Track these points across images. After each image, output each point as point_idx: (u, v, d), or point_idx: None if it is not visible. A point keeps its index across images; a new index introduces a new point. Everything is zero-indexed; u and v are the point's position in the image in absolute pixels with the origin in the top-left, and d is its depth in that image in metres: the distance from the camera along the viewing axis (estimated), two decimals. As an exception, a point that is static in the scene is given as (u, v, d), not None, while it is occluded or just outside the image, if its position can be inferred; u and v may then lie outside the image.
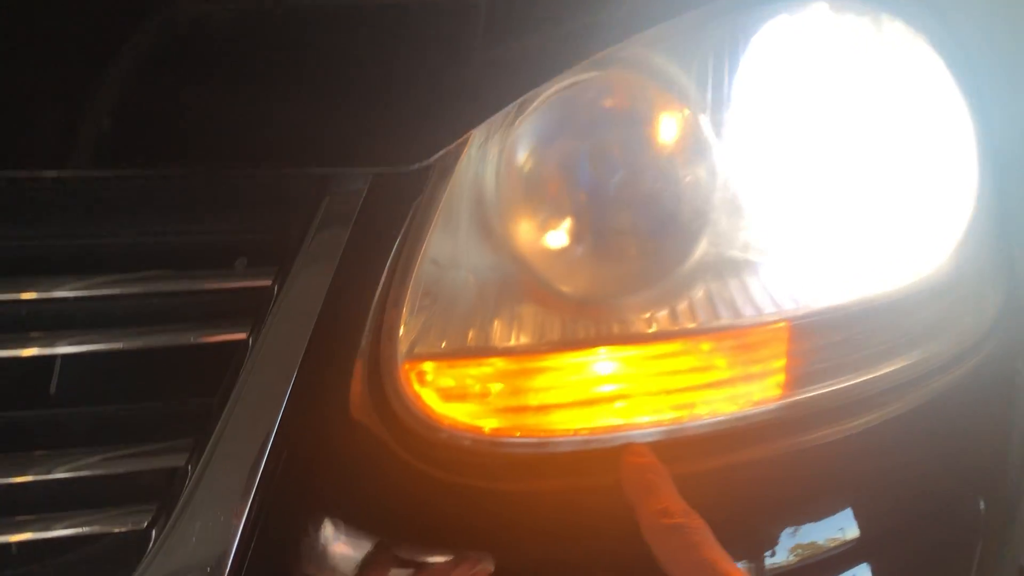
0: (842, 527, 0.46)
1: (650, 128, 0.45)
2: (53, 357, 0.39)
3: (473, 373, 0.42)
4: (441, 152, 0.41)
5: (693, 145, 0.46)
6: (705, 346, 0.45)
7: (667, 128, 0.46)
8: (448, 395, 0.42)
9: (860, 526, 0.46)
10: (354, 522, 0.39)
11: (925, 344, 0.50)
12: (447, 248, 0.43)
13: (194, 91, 0.38)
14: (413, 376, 0.41)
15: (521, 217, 0.45)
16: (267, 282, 0.39)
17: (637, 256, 0.46)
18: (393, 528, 0.40)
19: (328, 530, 0.39)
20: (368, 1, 0.39)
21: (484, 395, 0.42)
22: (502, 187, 0.44)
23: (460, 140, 0.41)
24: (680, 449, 0.44)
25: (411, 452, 0.40)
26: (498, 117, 0.43)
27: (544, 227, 0.45)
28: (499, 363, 0.43)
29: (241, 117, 0.38)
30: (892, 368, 0.48)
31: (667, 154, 0.45)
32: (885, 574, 0.46)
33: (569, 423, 0.43)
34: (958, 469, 0.51)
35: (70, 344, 0.38)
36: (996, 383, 0.54)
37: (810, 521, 0.46)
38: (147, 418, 0.39)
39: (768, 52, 0.46)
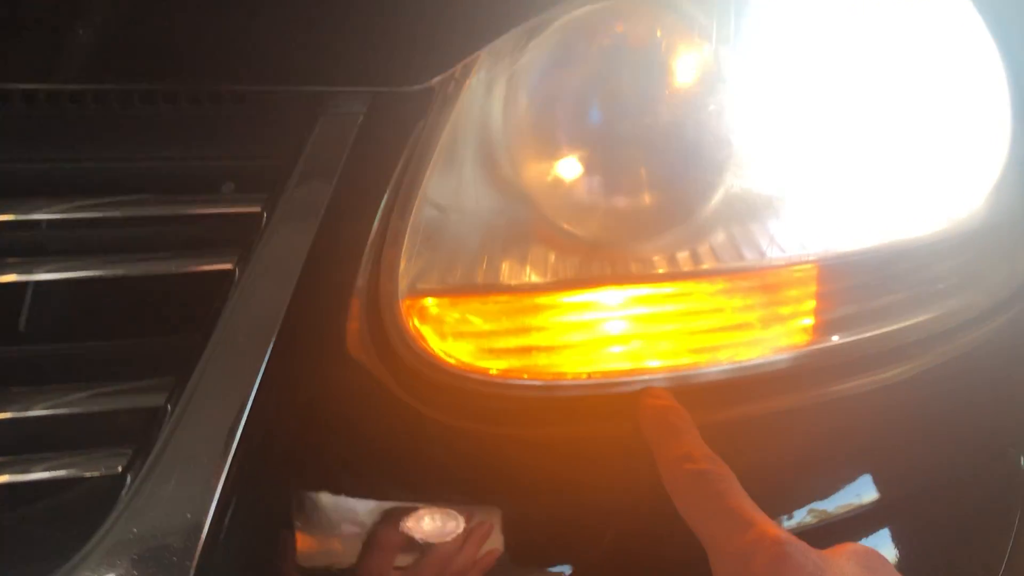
0: (868, 487, 0.43)
1: (666, 59, 0.43)
2: (26, 288, 0.36)
3: (479, 310, 0.39)
4: (444, 74, 0.38)
5: (712, 79, 0.43)
6: (727, 286, 0.42)
7: (684, 60, 0.43)
8: (452, 333, 0.39)
9: (887, 486, 0.43)
10: (349, 467, 0.36)
11: (958, 294, 0.47)
12: (452, 188, 0.40)
13: (182, 2, 0.35)
14: (414, 313, 0.38)
15: (530, 154, 0.42)
16: (256, 208, 0.36)
17: (654, 196, 0.43)
18: (391, 474, 0.37)
19: (320, 476, 0.36)
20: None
21: (490, 334, 0.39)
22: (509, 122, 0.42)
23: (464, 62, 0.39)
24: (699, 396, 0.40)
25: (411, 393, 0.37)
26: (506, 46, 0.41)
27: (555, 165, 0.42)
28: (507, 300, 0.40)
29: (231, 30, 0.36)
30: (925, 318, 0.45)
31: (684, 87, 0.43)
32: (914, 537, 0.43)
33: (580, 365, 0.40)
34: (996, 426, 0.48)
35: (47, 271, 0.35)
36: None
37: (834, 479, 0.43)
38: (126, 355, 0.36)
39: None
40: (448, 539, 0.37)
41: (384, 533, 0.36)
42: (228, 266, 0.36)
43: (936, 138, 0.47)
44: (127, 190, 0.37)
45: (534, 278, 0.40)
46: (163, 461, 0.34)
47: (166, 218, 0.37)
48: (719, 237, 0.43)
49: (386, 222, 0.37)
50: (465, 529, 0.38)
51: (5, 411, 0.34)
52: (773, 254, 0.42)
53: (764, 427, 0.42)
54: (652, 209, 0.43)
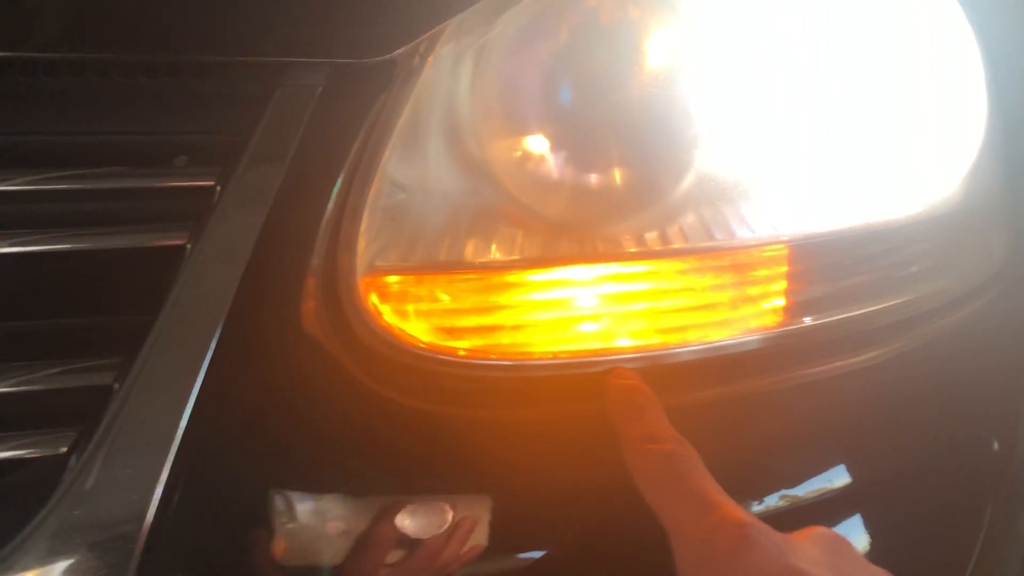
0: (838, 472, 0.42)
1: (638, 36, 0.42)
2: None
3: (442, 289, 0.38)
4: (407, 47, 0.37)
5: (683, 57, 0.42)
6: (696, 265, 0.41)
7: (656, 37, 0.42)
8: (414, 312, 0.38)
9: (858, 471, 0.42)
10: (302, 449, 0.35)
11: (933, 278, 0.47)
12: (415, 165, 0.39)
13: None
14: (374, 291, 0.37)
15: (497, 131, 0.41)
16: (209, 182, 0.35)
17: (624, 175, 0.42)
18: (346, 456, 0.36)
19: (272, 460, 0.35)
20: None
21: (453, 313, 0.38)
22: (476, 98, 0.40)
23: (429, 35, 0.38)
24: (667, 377, 0.39)
25: (368, 373, 0.36)
26: (474, 19, 0.40)
27: (522, 143, 0.41)
28: (471, 278, 0.39)
29: (185, -1, 0.34)
30: (899, 301, 0.45)
31: (656, 65, 0.42)
32: (886, 522, 0.42)
33: (547, 345, 0.39)
34: (969, 411, 0.47)
35: (-9, 245, 0.34)
36: (1008, 326, 0.51)
37: (804, 464, 0.42)
38: (73, 333, 0.35)
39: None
40: (411, 525, 0.36)
41: (340, 518, 0.35)
42: (180, 242, 0.35)
43: (911, 121, 0.47)
44: (77, 164, 0.35)
45: (499, 257, 0.39)
46: (109, 442, 0.33)
47: (117, 192, 0.36)
48: (689, 218, 0.42)
49: (344, 198, 0.36)
50: (428, 514, 0.37)
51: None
52: (743, 234, 0.41)
53: (733, 410, 0.41)
54: (621, 189, 0.42)
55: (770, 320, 0.42)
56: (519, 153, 0.41)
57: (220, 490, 0.34)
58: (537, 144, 0.41)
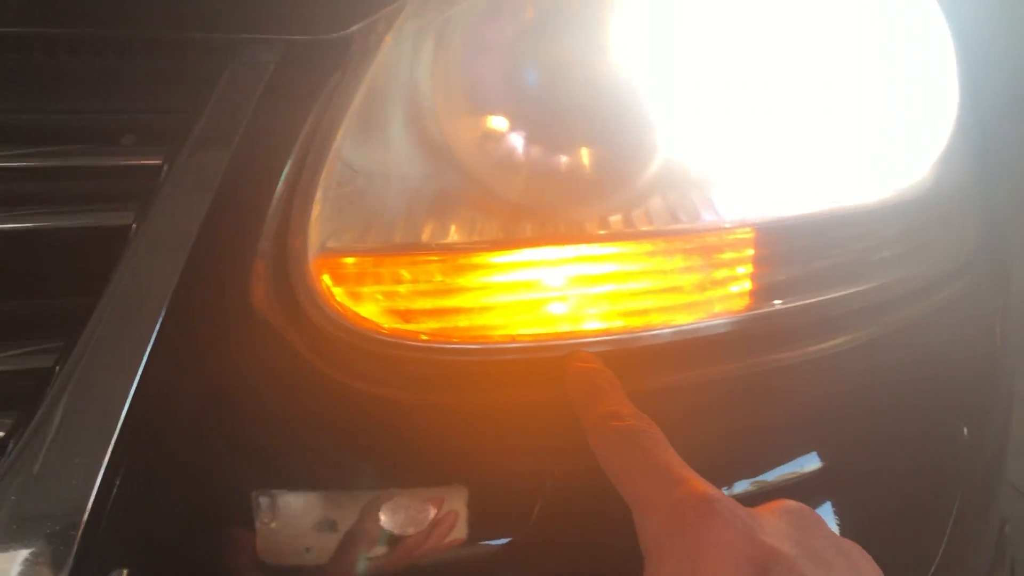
0: (807, 458, 0.41)
1: (604, 15, 0.41)
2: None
3: (398, 271, 0.37)
4: (362, 23, 0.36)
5: (650, 38, 0.41)
6: (660, 247, 0.40)
7: (622, 16, 0.41)
8: (367, 294, 0.37)
9: (827, 457, 0.41)
10: (252, 439, 0.34)
11: (903, 265, 0.46)
12: (372, 145, 0.38)
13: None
14: (326, 272, 0.36)
15: (458, 112, 0.40)
16: (157, 161, 0.34)
17: (589, 160, 0.41)
18: (294, 440, 0.35)
19: (218, 445, 0.34)
20: None
21: (409, 295, 0.37)
22: (437, 76, 0.40)
23: (387, 11, 0.37)
24: (633, 361, 0.39)
25: (319, 355, 0.35)
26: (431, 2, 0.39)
27: (483, 123, 0.40)
28: (430, 260, 0.38)
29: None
30: (868, 287, 0.44)
31: (623, 47, 0.41)
32: (855, 508, 0.42)
33: (508, 329, 0.38)
34: (940, 398, 0.46)
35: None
36: (979, 313, 0.50)
37: (772, 451, 0.41)
38: (14, 315, 0.34)
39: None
40: (368, 514, 0.35)
41: (291, 509, 0.34)
42: (125, 222, 0.34)
43: (881, 106, 0.46)
44: (21, 142, 0.34)
45: (458, 239, 0.38)
46: (47, 427, 0.32)
47: (62, 171, 0.35)
48: (655, 202, 0.41)
49: (295, 179, 0.35)
50: (388, 502, 0.36)
51: None
52: (710, 218, 0.40)
53: (699, 394, 0.41)
54: (586, 172, 0.41)
55: (737, 304, 0.41)
56: (481, 135, 0.40)
57: (164, 478, 0.33)
58: (500, 125, 0.40)
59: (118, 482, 0.32)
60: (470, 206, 0.40)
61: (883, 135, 0.46)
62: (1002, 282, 0.53)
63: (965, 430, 0.46)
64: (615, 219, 0.41)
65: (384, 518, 0.36)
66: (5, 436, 0.32)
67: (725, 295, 0.41)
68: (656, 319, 0.40)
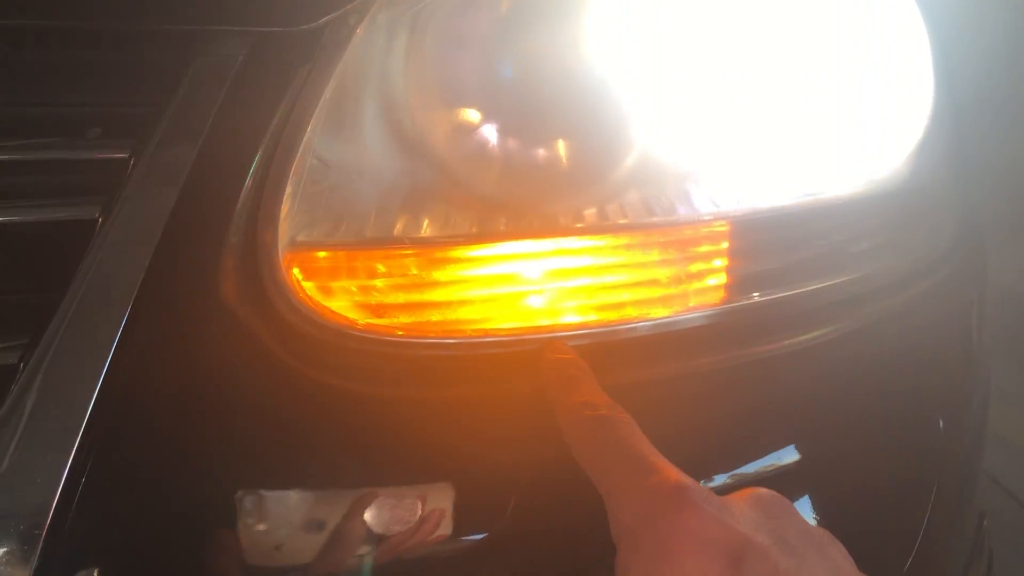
0: (785, 451, 0.41)
1: (581, 10, 0.41)
2: None
3: (371, 264, 0.37)
4: (333, 15, 0.36)
5: (629, 32, 0.41)
6: (635, 240, 0.40)
7: (600, 11, 0.41)
8: (339, 289, 0.36)
9: (804, 450, 0.41)
10: (219, 436, 0.34)
11: (880, 257, 0.46)
12: (344, 138, 0.38)
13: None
14: (296, 267, 0.36)
15: (431, 104, 0.40)
16: (123, 155, 0.34)
17: (565, 153, 0.41)
18: (275, 448, 0.34)
19: (187, 448, 0.33)
20: None
21: (382, 290, 0.37)
22: (410, 69, 0.39)
23: (356, 3, 0.36)
24: (609, 354, 0.39)
25: (289, 350, 0.35)
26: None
27: (457, 116, 0.40)
28: (403, 254, 0.37)
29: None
30: (845, 279, 0.44)
31: (599, 40, 0.41)
32: (832, 501, 0.42)
33: (483, 323, 0.38)
34: (916, 390, 0.46)
35: None
36: (956, 305, 0.50)
37: (747, 445, 0.41)
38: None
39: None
40: (341, 512, 0.35)
41: (261, 508, 0.33)
42: (92, 216, 0.33)
43: (856, 98, 0.46)
44: (-16, 136, 0.34)
45: (431, 233, 0.38)
46: (11, 425, 0.31)
47: (27, 165, 0.34)
48: (631, 196, 0.41)
49: (265, 173, 0.35)
50: (363, 500, 0.35)
51: None
52: (685, 211, 0.40)
53: (676, 388, 0.40)
54: (561, 166, 0.41)
55: (714, 297, 0.41)
56: (454, 128, 0.40)
57: (132, 477, 0.32)
58: (473, 118, 0.40)
59: (83, 481, 0.31)
60: (444, 200, 0.39)
61: (858, 127, 0.46)
62: (978, 274, 0.53)
63: (941, 423, 0.47)
64: (590, 212, 0.40)
65: (359, 516, 0.35)
66: (-32, 435, 0.31)
67: (702, 288, 0.41)
68: (633, 312, 0.39)
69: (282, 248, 0.35)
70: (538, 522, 0.37)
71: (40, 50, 0.35)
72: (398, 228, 0.38)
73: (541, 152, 0.41)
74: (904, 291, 0.47)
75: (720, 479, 0.41)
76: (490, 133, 0.40)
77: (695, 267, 0.41)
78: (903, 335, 0.46)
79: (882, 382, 0.45)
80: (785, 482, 0.40)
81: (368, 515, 0.35)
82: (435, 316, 0.37)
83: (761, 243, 0.42)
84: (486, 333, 0.38)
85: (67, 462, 0.31)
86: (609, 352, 0.39)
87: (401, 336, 0.37)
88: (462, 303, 0.38)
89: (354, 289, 0.37)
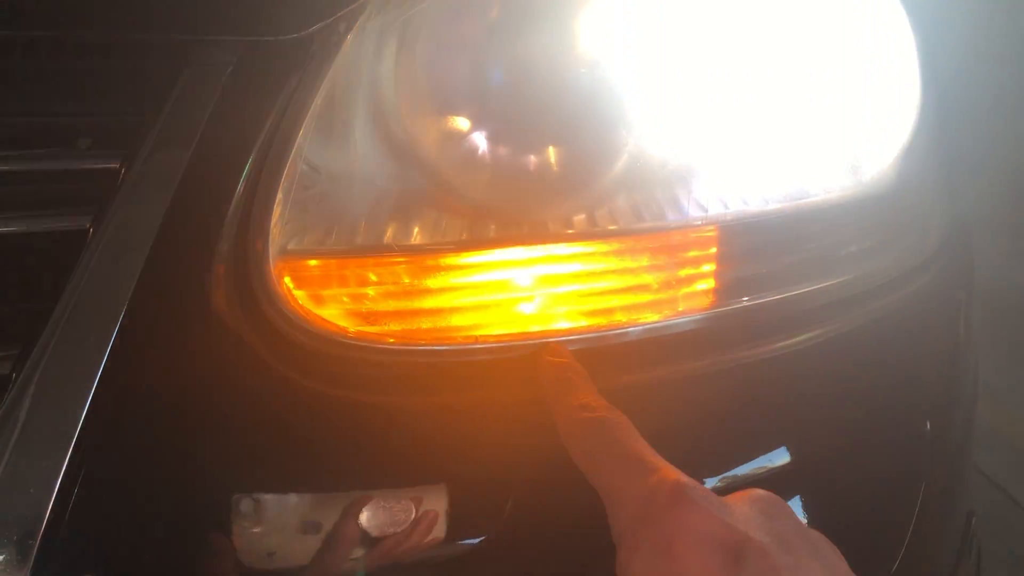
0: (774, 453, 0.42)
1: (570, 16, 0.41)
2: None
3: (362, 273, 0.37)
4: (322, 23, 0.36)
5: (618, 37, 0.41)
6: (624, 246, 0.40)
7: (589, 16, 0.41)
8: (330, 297, 0.37)
9: (793, 452, 0.42)
10: (211, 444, 0.34)
11: (867, 260, 0.47)
12: (335, 146, 0.38)
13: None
14: (287, 275, 0.36)
15: (421, 111, 0.40)
16: (114, 164, 0.34)
17: (555, 159, 0.41)
18: (267, 454, 0.34)
19: (179, 456, 0.33)
20: None
21: (373, 298, 0.37)
22: (401, 76, 0.39)
23: (347, 10, 0.37)
24: (601, 359, 0.39)
25: (285, 361, 0.35)
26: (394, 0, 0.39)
27: (448, 126, 0.40)
28: (394, 262, 0.38)
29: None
30: (833, 282, 0.44)
31: (588, 45, 0.41)
32: (820, 503, 0.42)
33: (475, 330, 0.38)
34: (904, 392, 0.47)
35: None
36: (943, 308, 0.51)
37: (738, 447, 0.41)
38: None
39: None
40: (333, 518, 0.35)
41: (255, 514, 0.34)
42: (82, 226, 0.33)
43: (842, 100, 0.46)
44: (-26, 146, 0.34)
45: (422, 241, 0.38)
46: (5, 433, 0.31)
47: (17, 175, 0.34)
48: (620, 201, 0.41)
49: (255, 181, 0.35)
50: (355, 505, 0.35)
51: None
52: (674, 217, 0.41)
53: (667, 392, 0.41)
54: (551, 171, 0.41)
55: (704, 301, 0.41)
56: (444, 134, 0.40)
57: (124, 485, 0.32)
58: (463, 125, 0.40)
59: (77, 488, 0.31)
60: (434, 206, 0.40)
61: (845, 130, 0.47)
62: (966, 276, 0.54)
63: (928, 424, 0.47)
64: (580, 218, 0.41)
65: (350, 522, 0.35)
66: (-39, 444, 0.32)
67: (692, 293, 0.41)
68: (623, 318, 0.40)
69: (273, 256, 0.35)
70: (536, 525, 0.37)
71: (30, 60, 0.35)
72: (388, 235, 0.38)
73: (531, 158, 0.41)
74: (892, 293, 0.47)
75: (712, 481, 0.41)
76: (480, 139, 0.40)
77: (685, 272, 0.41)
78: (891, 337, 0.47)
79: (871, 383, 0.45)
80: (775, 483, 0.41)
81: (361, 519, 0.35)
82: (426, 323, 0.38)
83: (750, 247, 0.42)
84: (477, 340, 0.38)
85: (61, 470, 0.31)
86: (600, 357, 0.39)
87: (392, 343, 0.38)
88: (453, 310, 0.38)
89: (345, 297, 0.37)
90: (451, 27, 0.40)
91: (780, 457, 0.42)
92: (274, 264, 0.35)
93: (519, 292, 0.39)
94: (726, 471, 0.41)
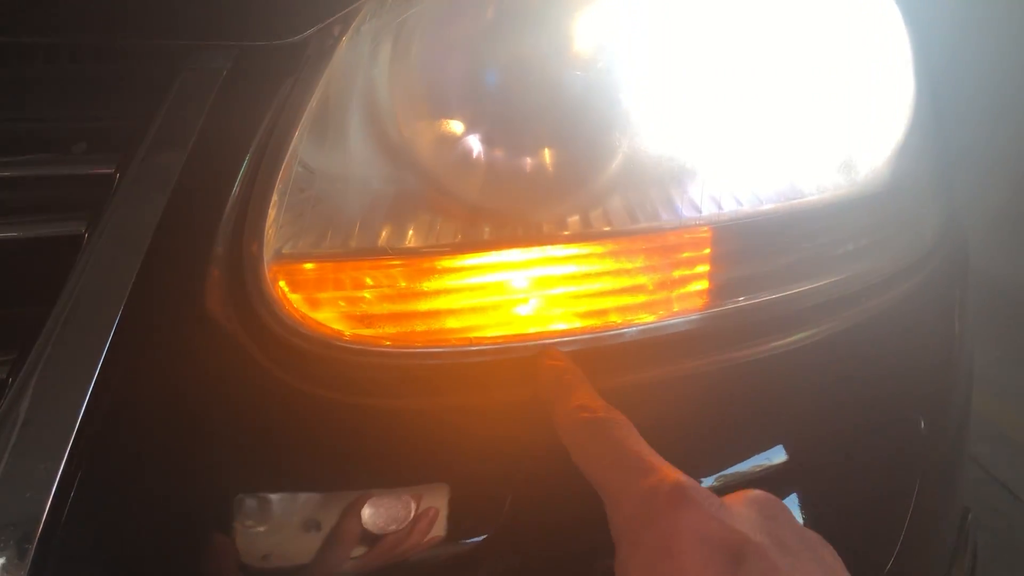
0: (770, 452, 0.42)
1: (565, 18, 0.41)
2: None
3: (358, 276, 0.37)
4: (316, 27, 0.36)
5: (613, 39, 0.42)
6: (618, 248, 0.40)
7: (584, 18, 0.41)
8: (325, 300, 0.37)
9: (788, 452, 0.42)
10: (207, 447, 0.34)
11: (861, 260, 0.47)
12: (330, 149, 0.38)
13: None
14: (282, 279, 0.36)
15: (417, 114, 0.40)
16: (109, 170, 0.34)
17: (550, 161, 0.41)
18: (263, 457, 0.35)
19: (175, 459, 0.33)
20: None
21: (369, 301, 0.37)
22: (395, 79, 0.40)
23: (343, 14, 0.37)
24: (598, 361, 0.39)
25: (276, 362, 0.35)
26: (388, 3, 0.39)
27: (444, 129, 0.40)
28: (389, 265, 0.38)
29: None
30: (828, 281, 0.45)
31: (583, 47, 0.41)
32: (814, 503, 0.42)
33: (471, 332, 0.38)
34: (898, 391, 0.47)
35: None
36: (938, 306, 0.51)
37: (734, 447, 0.42)
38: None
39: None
40: (329, 520, 0.35)
41: (251, 517, 0.34)
42: (78, 231, 0.34)
43: (836, 100, 0.46)
44: (-30, 151, 0.34)
45: (417, 244, 0.38)
46: (2, 436, 0.31)
47: (12, 180, 0.35)
48: (615, 203, 0.42)
49: (250, 185, 0.35)
50: (354, 507, 0.36)
51: None
52: (669, 217, 0.41)
53: (662, 392, 0.41)
54: (546, 173, 0.41)
55: (699, 302, 0.41)
56: (439, 137, 0.40)
57: (120, 488, 0.33)
58: (458, 128, 0.40)
59: (74, 490, 0.32)
60: (429, 208, 0.40)
61: (839, 130, 0.47)
62: (961, 274, 0.54)
63: (923, 422, 0.47)
64: (575, 220, 0.41)
65: (347, 523, 0.36)
66: (-41, 449, 0.32)
67: (687, 293, 0.41)
68: (618, 319, 0.40)
69: (268, 260, 0.35)
70: (534, 526, 0.38)
71: (25, 66, 0.35)
72: (383, 237, 0.38)
73: (525, 160, 0.41)
74: (887, 292, 0.47)
75: (708, 480, 0.41)
76: (474, 142, 0.40)
77: (679, 272, 0.41)
78: (886, 336, 0.47)
79: (866, 382, 0.46)
80: (772, 481, 0.41)
81: (359, 520, 0.35)
82: (422, 326, 0.38)
83: (744, 247, 0.42)
84: (472, 342, 0.38)
85: (58, 473, 0.31)
86: (596, 358, 0.39)
87: (388, 346, 0.38)
88: (448, 312, 0.38)
89: (341, 300, 0.37)
90: (446, 30, 0.40)
91: (776, 456, 0.42)
92: (269, 268, 0.35)
93: (514, 294, 0.40)
94: (722, 470, 0.41)
